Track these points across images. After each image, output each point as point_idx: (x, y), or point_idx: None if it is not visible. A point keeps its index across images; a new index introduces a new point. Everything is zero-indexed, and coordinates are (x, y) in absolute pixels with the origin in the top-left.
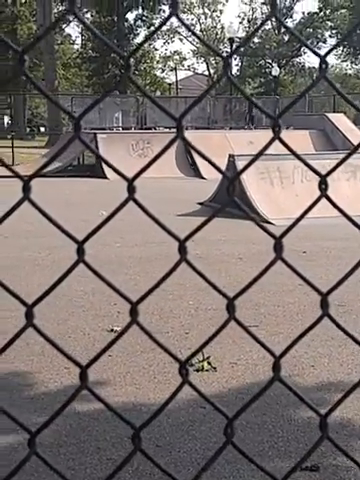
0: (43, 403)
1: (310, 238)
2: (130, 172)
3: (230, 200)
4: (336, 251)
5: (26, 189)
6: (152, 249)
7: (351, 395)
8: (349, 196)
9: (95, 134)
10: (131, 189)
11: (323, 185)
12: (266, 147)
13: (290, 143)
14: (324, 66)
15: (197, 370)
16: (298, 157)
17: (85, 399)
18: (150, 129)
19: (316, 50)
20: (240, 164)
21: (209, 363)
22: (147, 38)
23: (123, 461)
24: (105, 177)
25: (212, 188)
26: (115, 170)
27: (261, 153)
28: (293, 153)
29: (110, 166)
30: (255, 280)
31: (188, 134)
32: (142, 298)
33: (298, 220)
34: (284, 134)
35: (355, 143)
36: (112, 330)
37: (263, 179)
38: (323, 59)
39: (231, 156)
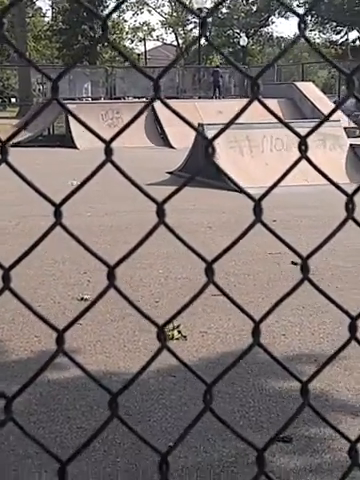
0: (14, 371)
1: (281, 207)
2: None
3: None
4: (307, 220)
5: (4, 152)
6: (122, 218)
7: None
8: (319, 164)
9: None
10: (109, 151)
11: (303, 146)
12: (245, 108)
13: (259, 112)
14: (303, 26)
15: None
16: (279, 119)
17: (56, 368)
18: (119, 99)
19: (295, 10)
20: (209, 133)
21: (179, 332)
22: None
23: (100, 428)
24: (75, 147)
25: (181, 157)
26: (92, 131)
27: (239, 115)
28: (274, 115)
29: (87, 127)
30: (233, 244)
31: (157, 104)
32: (119, 262)
33: (276, 183)
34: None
35: (324, 111)
36: (82, 299)
37: (232, 148)
38: (302, 19)
39: (200, 125)
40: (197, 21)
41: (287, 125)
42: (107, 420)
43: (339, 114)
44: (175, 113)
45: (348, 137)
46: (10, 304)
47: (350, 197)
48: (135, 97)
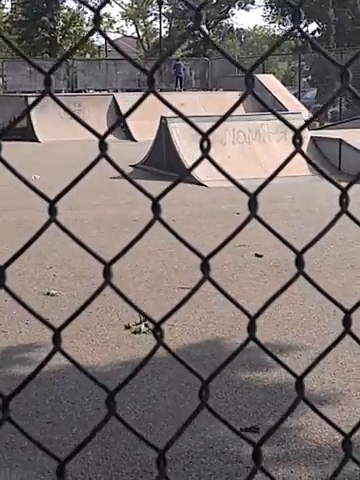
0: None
1: (244, 200)
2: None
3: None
4: (271, 212)
5: None
6: (87, 212)
7: (290, 355)
8: (281, 157)
9: (26, 97)
10: (103, 146)
11: (297, 139)
12: (240, 100)
13: (220, 105)
14: (298, 16)
15: (134, 332)
16: (273, 112)
17: (24, 362)
18: (81, 92)
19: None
20: (172, 126)
21: (146, 325)
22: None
23: (97, 426)
24: (37, 140)
25: (144, 150)
26: (86, 126)
27: (232, 110)
28: (267, 107)
29: (84, 124)
30: (228, 240)
31: (119, 96)
32: (115, 259)
33: (271, 177)
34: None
35: (284, 103)
36: (49, 293)
37: (195, 141)
38: (297, 9)
39: (163, 118)
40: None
41: (281, 117)
42: (105, 418)
43: (300, 107)
44: (168, 105)
45: (309, 129)
46: None
47: (344, 191)
48: (96, 90)
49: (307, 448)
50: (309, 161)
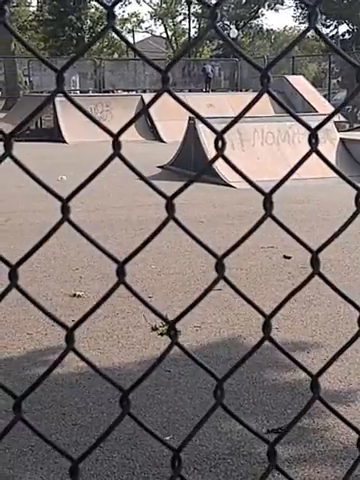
0: (6, 369)
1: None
2: (90, 136)
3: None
4: (298, 213)
5: (8, 146)
6: (112, 213)
7: (317, 356)
8: (310, 158)
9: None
10: (117, 145)
11: (313, 139)
12: (257, 99)
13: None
14: (314, 17)
15: (161, 334)
16: (289, 111)
17: (48, 365)
18: (108, 92)
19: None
20: (200, 127)
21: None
22: None
23: (111, 425)
24: (64, 141)
25: (172, 151)
26: (99, 124)
27: (250, 106)
28: (283, 107)
29: (94, 120)
30: (244, 239)
31: (147, 97)
32: (129, 258)
33: (286, 177)
34: (243, 96)
35: (314, 105)
36: (75, 295)
37: None
38: (313, 9)
39: (191, 119)
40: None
41: (297, 117)
42: (119, 417)
43: (329, 108)
44: (182, 104)
45: (338, 131)
46: (1, 303)
47: None
48: (124, 90)
49: (334, 449)
50: (325, 160)
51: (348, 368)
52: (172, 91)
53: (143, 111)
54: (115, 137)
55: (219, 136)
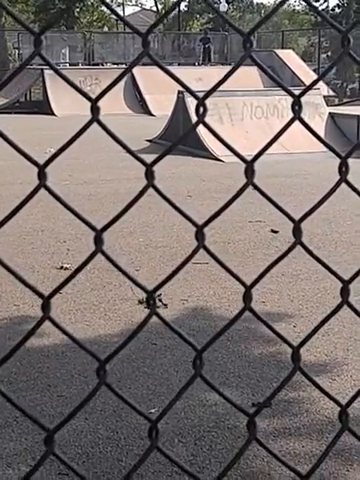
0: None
1: (261, 176)
2: (79, 108)
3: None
4: (286, 188)
5: None
6: (100, 187)
7: (304, 330)
8: (299, 132)
9: (42, 70)
10: (95, 109)
11: (296, 106)
12: (239, 64)
13: (239, 80)
14: None
15: (148, 307)
16: (273, 78)
17: (35, 336)
18: (98, 65)
19: None
20: (189, 100)
21: (160, 300)
22: None
23: (88, 395)
24: (53, 113)
25: (161, 125)
26: (77, 88)
27: (234, 70)
28: (267, 73)
29: (70, 83)
30: (224, 208)
31: (136, 70)
32: (107, 225)
33: (268, 145)
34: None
35: (303, 79)
36: (62, 267)
37: (212, 115)
38: None
39: (180, 92)
40: None
41: (279, 83)
42: (96, 387)
43: (320, 82)
44: (162, 69)
45: (328, 106)
46: None
47: (343, 159)
48: (114, 63)
49: (318, 422)
50: (309, 129)
51: (334, 343)
52: (152, 55)
53: (123, 74)
54: (93, 102)
55: (200, 102)
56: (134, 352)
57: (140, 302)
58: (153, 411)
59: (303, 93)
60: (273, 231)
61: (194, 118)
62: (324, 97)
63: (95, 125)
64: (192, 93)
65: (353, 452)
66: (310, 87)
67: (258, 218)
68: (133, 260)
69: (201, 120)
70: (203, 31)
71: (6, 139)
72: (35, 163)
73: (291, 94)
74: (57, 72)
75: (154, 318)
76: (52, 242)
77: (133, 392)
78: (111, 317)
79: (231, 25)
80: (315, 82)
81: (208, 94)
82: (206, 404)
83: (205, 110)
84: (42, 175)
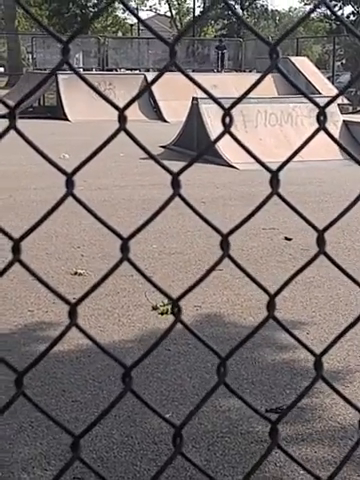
0: (7, 345)
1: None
2: (93, 114)
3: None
4: (300, 195)
5: (12, 117)
6: (114, 193)
7: (317, 337)
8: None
9: (56, 75)
10: (122, 119)
11: (321, 117)
12: (265, 74)
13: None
14: None
15: (162, 313)
16: (296, 87)
17: (49, 340)
18: (112, 70)
19: None
20: (204, 107)
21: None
22: None
23: (113, 401)
24: (66, 119)
25: (175, 131)
26: (104, 98)
27: (256, 84)
28: (290, 82)
29: (98, 92)
30: (249, 217)
31: (151, 76)
32: (133, 234)
33: (293, 155)
34: (247, 77)
35: (318, 87)
36: (76, 273)
37: None
38: None
39: (195, 99)
40: None
41: (305, 94)
42: (121, 393)
43: (333, 91)
44: (188, 77)
45: (342, 113)
46: (2, 280)
47: None
48: (127, 69)
49: (331, 428)
50: (333, 139)
51: (347, 350)
52: (178, 64)
53: (148, 86)
54: (121, 111)
55: (226, 112)
56: (148, 358)
57: (154, 308)
58: (167, 417)
59: (328, 104)
60: (287, 238)
61: (208, 124)
62: (338, 105)
63: (108, 130)
64: (219, 104)
65: None
66: (336, 97)
67: (272, 225)
68: (147, 267)
69: (227, 130)
70: (218, 38)
71: (33, 146)
72: (63, 171)
73: (316, 104)
74: (85, 81)
75: (166, 324)
76: (66, 248)
77: (147, 398)
78: (125, 323)
79: (257, 34)
80: (341, 92)
81: (235, 104)
82: (219, 410)
83: (231, 120)
84: (69, 183)
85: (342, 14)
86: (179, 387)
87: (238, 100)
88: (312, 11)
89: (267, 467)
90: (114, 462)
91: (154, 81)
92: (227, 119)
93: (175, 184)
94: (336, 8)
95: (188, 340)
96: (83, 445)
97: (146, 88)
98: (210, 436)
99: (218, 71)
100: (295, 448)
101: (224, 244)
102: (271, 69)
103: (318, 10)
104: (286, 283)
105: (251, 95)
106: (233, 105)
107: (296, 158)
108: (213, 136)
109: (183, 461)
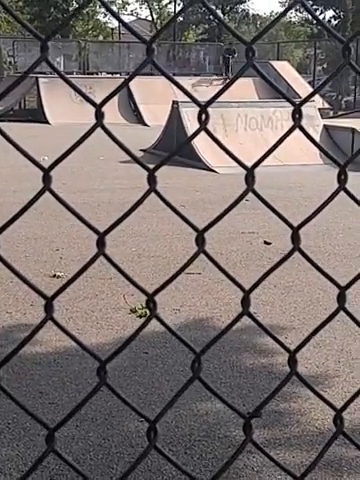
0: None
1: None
2: (73, 117)
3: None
4: (280, 200)
5: None
6: (93, 196)
7: (295, 342)
8: (292, 145)
9: (37, 78)
10: (100, 115)
11: (297, 114)
12: (241, 73)
13: (234, 90)
14: None
15: (140, 316)
16: (274, 87)
17: (28, 343)
18: (92, 74)
19: None
20: (184, 111)
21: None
22: None
23: (88, 394)
24: (47, 122)
25: (155, 135)
26: (81, 93)
27: (231, 82)
28: (267, 81)
29: (79, 92)
30: (224, 214)
31: (132, 81)
32: (109, 229)
33: (268, 153)
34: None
35: (299, 92)
36: (55, 276)
37: (207, 125)
38: None
39: (175, 102)
40: None
41: (281, 92)
42: (96, 387)
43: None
44: (165, 74)
45: (322, 118)
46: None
47: (342, 167)
48: (108, 73)
49: (309, 433)
50: (309, 137)
51: (326, 354)
52: (156, 62)
53: (126, 83)
54: (98, 107)
55: (203, 109)
56: (126, 361)
57: (132, 311)
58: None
59: (304, 102)
60: (266, 242)
61: (188, 128)
62: (319, 109)
63: (92, 134)
64: (195, 101)
65: (343, 463)
66: (311, 96)
67: (251, 229)
68: (126, 269)
69: (203, 127)
70: (229, 42)
71: (14, 144)
72: (41, 167)
73: (292, 103)
74: (63, 77)
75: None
76: (45, 250)
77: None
78: (103, 326)
79: (234, 34)
80: (316, 91)
81: (210, 102)
82: (197, 414)
83: (207, 117)
84: (47, 179)
85: (323, 18)
86: (157, 390)
87: (214, 97)
88: (289, 9)
89: (244, 471)
90: (90, 464)
91: (131, 78)
92: (203, 116)
93: (151, 180)
94: (317, 12)
95: (166, 343)
96: (59, 447)
97: (123, 84)
98: (187, 440)
99: (225, 76)
100: (273, 453)
101: (199, 240)
102: (247, 67)
103: (299, 14)
104: (260, 280)
105: (231, 99)
106: (209, 102)
107: (277, 162)
108: (193, 140)
109: (160, 464)
